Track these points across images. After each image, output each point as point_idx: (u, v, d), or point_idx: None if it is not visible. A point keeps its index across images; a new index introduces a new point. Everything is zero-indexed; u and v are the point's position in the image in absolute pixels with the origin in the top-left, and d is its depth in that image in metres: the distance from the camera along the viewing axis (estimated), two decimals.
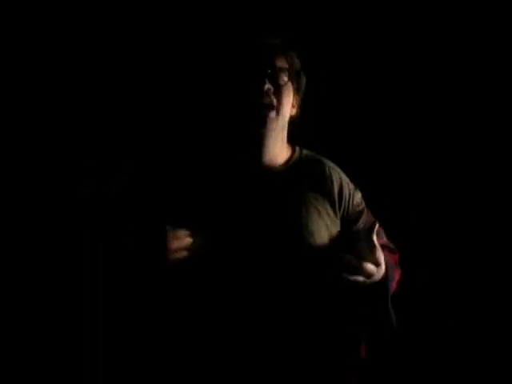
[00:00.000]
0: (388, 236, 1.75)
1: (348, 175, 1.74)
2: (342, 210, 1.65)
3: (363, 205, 1.72)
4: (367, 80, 2.25)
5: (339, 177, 1.69)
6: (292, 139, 1.68)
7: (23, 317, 1.95)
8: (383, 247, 1.62)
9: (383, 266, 1.57)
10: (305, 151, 1.69)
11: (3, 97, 2.05)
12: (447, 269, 2.25)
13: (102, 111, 2.10)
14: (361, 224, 1.67)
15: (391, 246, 1.71)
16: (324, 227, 1.59)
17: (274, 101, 1.55)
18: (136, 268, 1.44)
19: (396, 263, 1.68)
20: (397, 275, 1.66)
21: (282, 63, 1.58)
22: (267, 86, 1.54)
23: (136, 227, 1.46)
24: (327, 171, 1.66)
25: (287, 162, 1.64)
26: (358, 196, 1.72)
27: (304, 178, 1.62)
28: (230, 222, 1.51)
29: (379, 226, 1.67)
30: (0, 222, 2.00)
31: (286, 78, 1.57)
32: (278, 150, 1.62)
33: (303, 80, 1.65)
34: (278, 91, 1.56)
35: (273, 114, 1.55)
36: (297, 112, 1.65)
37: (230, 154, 1.60)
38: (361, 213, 1.69)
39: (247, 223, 1.51)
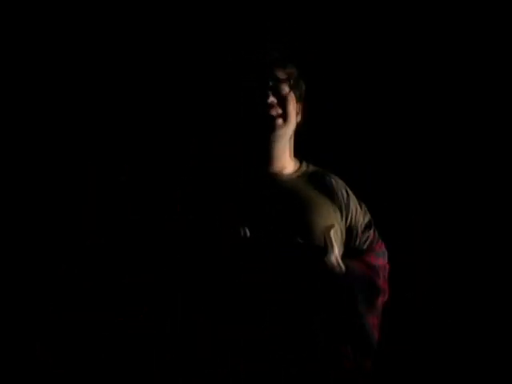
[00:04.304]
0: (388, 236, 1.74)
1: (348, 175, 1.74)
2: (347, 222, 1.67)
3: (371, 230, 1.71)
4: (367, 81, 2.25)
5: (347, 191, 1.71)
6: (298, 154, 1.71)
7: (23, 317, 1.95)
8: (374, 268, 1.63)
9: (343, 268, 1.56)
10: (311, 166, 1.72)
11: (3, 97, 2.05)
12: (447, 269, 2.25)
13: (102, 111, 2.10)
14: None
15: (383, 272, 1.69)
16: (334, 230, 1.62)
17: (280, 111, 1.60)
18: (137, 268, 1.44)
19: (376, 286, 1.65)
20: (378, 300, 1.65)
21: (281, 74, 1.62)
22: (271, 98, 1.58)
23: (136, 227, 1.46)
24: (334, 184, 1.69)
25: (294, 172, 1.67)
26: (367, 218, 1.72)
27: (312, 187, 1.66)
28: (238, 226, 1.51)
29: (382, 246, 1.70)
30: (0, 221, 2.00)
31: (287, 89, 1.62)
32: (286, 162, 1.66)
33: (303, 87, 1.69)
34: (282, 102, 1.61)
35: (280, 121, 1.60)
36: (301, 118, 1.69)
37: (237, 161, 1.62)
38: (367, 237, 1.69)
39: (257, 228, 1.51)
